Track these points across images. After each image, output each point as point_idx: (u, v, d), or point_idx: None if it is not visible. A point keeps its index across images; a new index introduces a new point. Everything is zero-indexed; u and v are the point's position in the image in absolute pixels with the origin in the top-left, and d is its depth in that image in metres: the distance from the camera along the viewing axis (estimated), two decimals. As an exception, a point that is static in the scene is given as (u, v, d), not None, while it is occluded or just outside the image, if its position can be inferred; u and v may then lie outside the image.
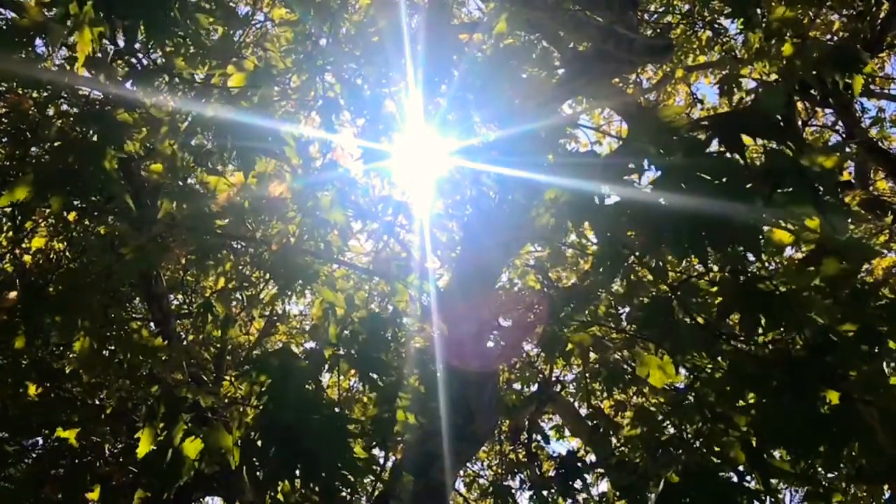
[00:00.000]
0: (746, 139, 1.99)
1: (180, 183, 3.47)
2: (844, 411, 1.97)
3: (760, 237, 1.98)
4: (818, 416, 2.00)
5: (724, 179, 1.92)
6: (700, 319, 2.49)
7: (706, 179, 1.91)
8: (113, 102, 3.16)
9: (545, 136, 2.93)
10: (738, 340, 2.49)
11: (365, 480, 3.26)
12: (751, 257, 2.32)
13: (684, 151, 1.96)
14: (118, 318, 3.12)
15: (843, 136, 5.46)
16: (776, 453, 2.48)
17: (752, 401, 2.39)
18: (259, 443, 1.98)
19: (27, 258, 4.84)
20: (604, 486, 5.92)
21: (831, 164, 2.09)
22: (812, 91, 4.83)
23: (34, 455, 5.56)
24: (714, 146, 2.05)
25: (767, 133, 1.96)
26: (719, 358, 2.60)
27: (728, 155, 1.99)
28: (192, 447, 2.06)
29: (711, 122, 2.03)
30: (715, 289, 2.48)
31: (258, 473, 1.95)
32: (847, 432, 1.97)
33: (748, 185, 1.91)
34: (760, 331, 2.35)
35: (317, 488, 1.84)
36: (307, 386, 2.03)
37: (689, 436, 3.28)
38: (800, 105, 6.16)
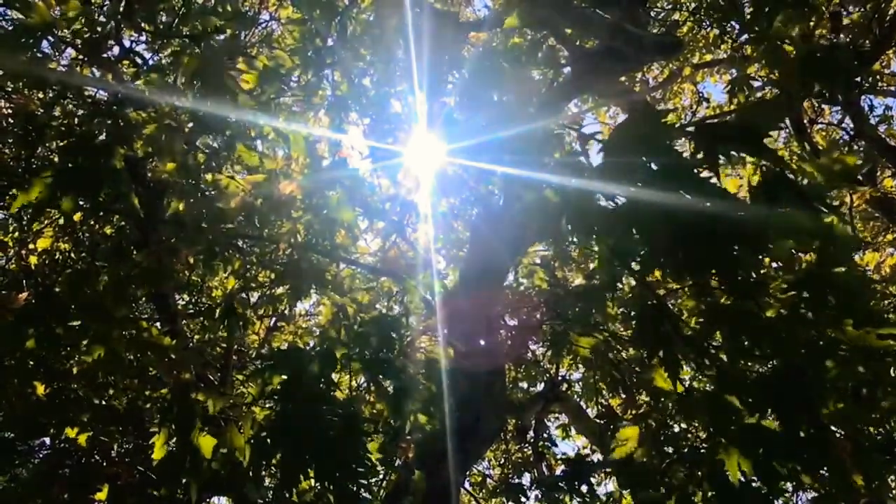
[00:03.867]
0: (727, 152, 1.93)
1: (191, 181, 3.47)
2: (817, 440, 1.97)
3: (748, 251, 1.92)
4: (793, 441, 1.99)
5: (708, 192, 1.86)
6: (687, 331, 2.46)
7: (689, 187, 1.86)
8: (120, 102, 3.16)
9: (551, 135, 2.91)
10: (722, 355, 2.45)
11: (375, 479, 3.27)
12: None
13: (666, 161, 1.90)
14: (126, 318, 3.12)
15: (852, 133, 5.43)
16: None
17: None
18: (271, 442, 1.97)
19: (33, 259, 4.84)
20: (611, 485, 5.92)
21: (841, 165, 2.07)
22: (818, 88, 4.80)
23: (42, 455, 5.56)
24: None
25: (749, 148, 1.89)
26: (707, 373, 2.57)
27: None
28: (207, 445, 2.06)
29: (697, 130, 1.96)
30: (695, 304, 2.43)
31: (265, 472, 1.95)
32: (817, 461, 1.97)
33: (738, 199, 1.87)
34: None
35: (331, 486, 1.84)
36: (320, 385, 2.02)
37: (696, 433, 3.27)
38: (806, 103, 6.13)
